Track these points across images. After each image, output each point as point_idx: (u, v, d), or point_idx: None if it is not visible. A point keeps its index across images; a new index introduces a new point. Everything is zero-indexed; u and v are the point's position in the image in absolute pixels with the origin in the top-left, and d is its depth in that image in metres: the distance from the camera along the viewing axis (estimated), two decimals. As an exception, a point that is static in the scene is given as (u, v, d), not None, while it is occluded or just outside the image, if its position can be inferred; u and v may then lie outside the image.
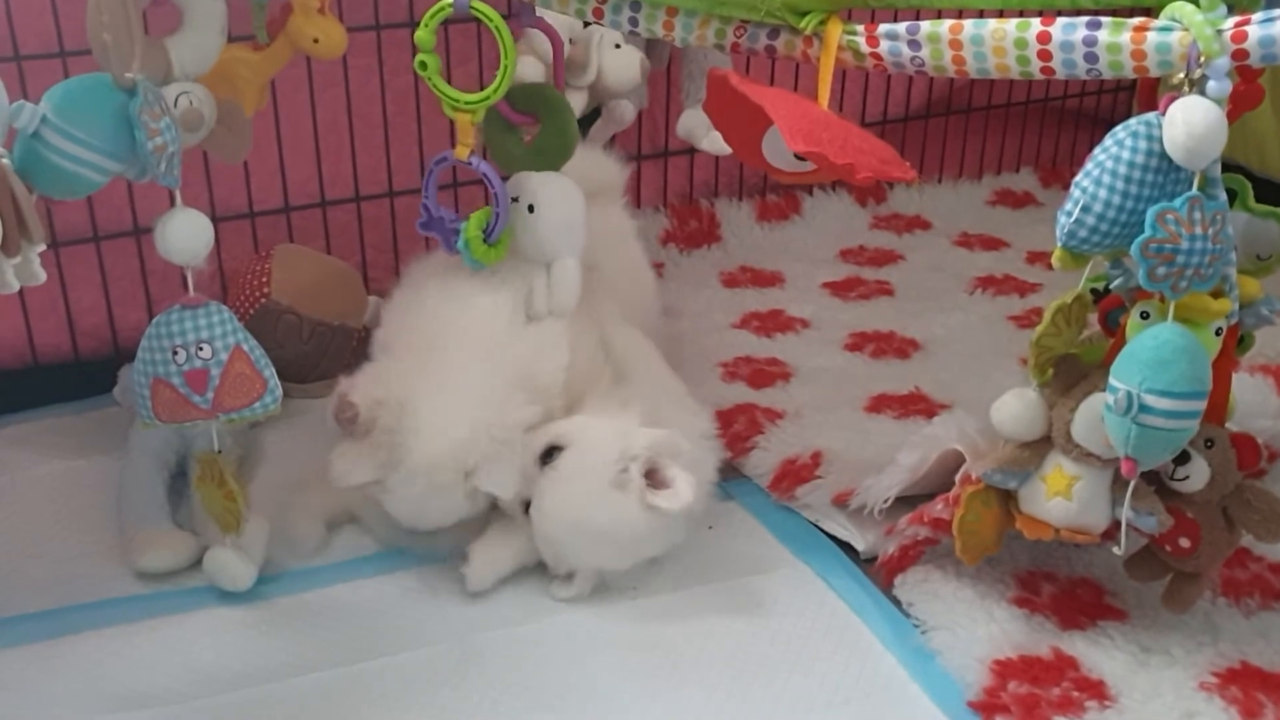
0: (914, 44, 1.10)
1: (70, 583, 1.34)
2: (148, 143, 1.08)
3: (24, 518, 1.46)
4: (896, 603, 1.32)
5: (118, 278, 1.72)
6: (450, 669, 1.22)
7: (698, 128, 1.84)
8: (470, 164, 1.32)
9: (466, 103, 1.28)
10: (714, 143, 1.83)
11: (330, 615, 1.31)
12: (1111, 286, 1.15)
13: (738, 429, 1.59)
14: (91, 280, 1.70)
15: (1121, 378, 1.04)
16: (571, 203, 1.38)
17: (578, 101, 1.61)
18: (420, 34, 1.24)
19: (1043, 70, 1.04)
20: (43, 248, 1.08)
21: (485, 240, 1.33)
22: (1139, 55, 1.00)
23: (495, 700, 1.19)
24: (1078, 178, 1.04)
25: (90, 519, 1.45)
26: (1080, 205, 1.03)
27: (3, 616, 1.29)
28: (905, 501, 1.36)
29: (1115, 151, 1.02)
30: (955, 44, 1.07)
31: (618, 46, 1.56)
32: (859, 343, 1.86)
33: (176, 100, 1.20)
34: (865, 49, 1.13)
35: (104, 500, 1.47)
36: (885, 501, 1.38)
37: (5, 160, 1.05)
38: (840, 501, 1.43)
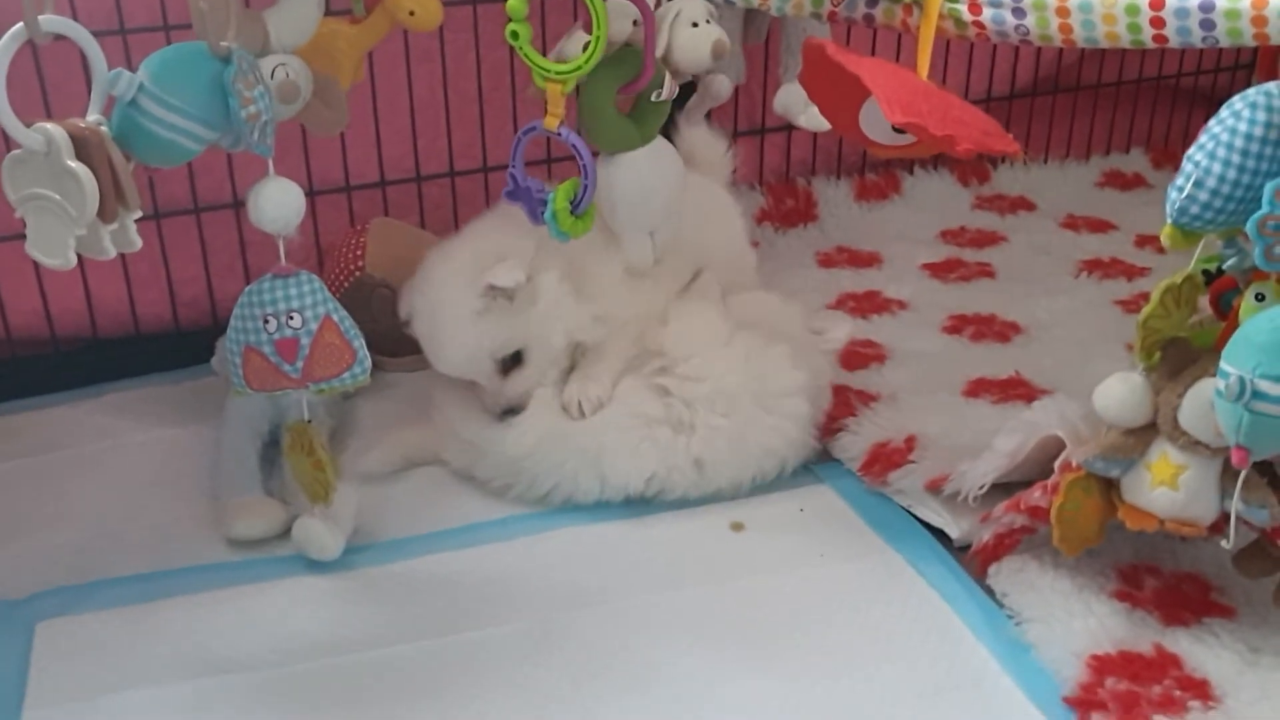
0: (1018, 11, 1.05)
1: (164, 548, 1.37)
2: (241, 111, 1.09)
3: (123, 483, 1.49)
4: (990, 593, 1.28)
5: (217, 249, 1.75)
6: (532, 646, 1.22)
7: (795, 103, 1.81)
8: (559, 135, 1.31)
9: (558, 73, 1.27)
10: (812, 119, 1.79)
11: (416, 587, 1.31)
12: (1225, 267, 1.10)
13: (829, 411, 1.56)
14: (192, 251, 1.74)
15: (1234, 362, 0.99)
16: (643, 181, 1.37)
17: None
18: (512, 2, 1.23)
19: (1155, 39, 0.99)
20: (139, 215, 1.10)
21: (572, 212, 1.32)
22: (1260, 21, 0.95)
23: (575, 679, 1.18)
24: (1190, 151, 0.99)
25: (186, 486, 1.48)
26: (1193, 180, 0.98)
27: (99, 578, 1.32)
28: (1002, 488, 1.32)
29: (1231, 123, 0.97)
30: (1062, 11, 1.03)
31: (695, 25, 1.53)
32: (958, 325, 1.81)
33: (273, 72, 1.20)
34: (967, 17, 1.09)
35: (200, 468, 1.50)
36: (981, 488, 1.34)
37: (104, 128, 1.07)
38: (934, 487, 1.40)
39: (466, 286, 1.40)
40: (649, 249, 1.46)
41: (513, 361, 1.43)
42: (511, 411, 1.43)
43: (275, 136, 1.15)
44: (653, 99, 1.39)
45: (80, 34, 1.06)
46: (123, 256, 1.65)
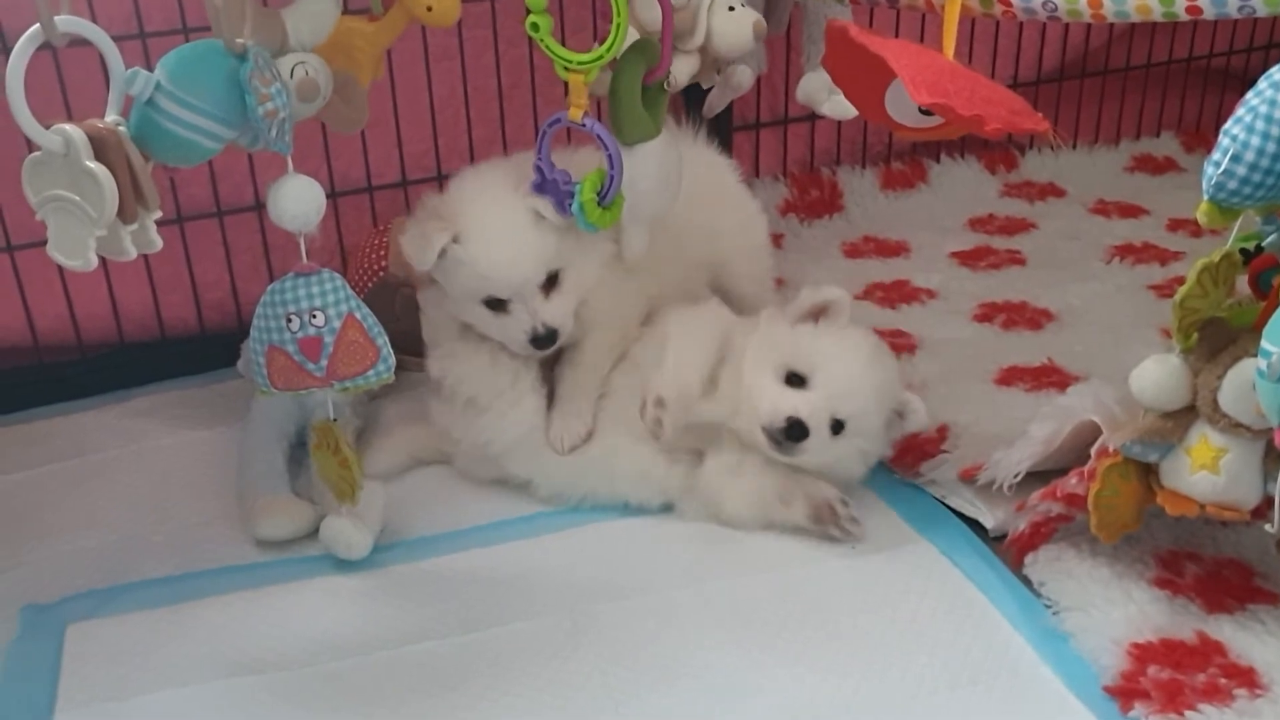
0: (1046, -13, 1.03)
1: (192, 550, 1.37)
2: (259, 108, 1.08)
3: (150, 486, 1.50)
4: (1027, 582, 1.26)
5: (240, 251, 1.75)
6: (561, 641, 1.21)
7: (819, 91, 1.78)
8: (584, 125, 1.29)
9: (579, 63, 1.26)
10: (836, 107, 1.76)
11: (444, 584, 1.31)
12: (1264, 244, 1.07)
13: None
14: (215, 254, 1.74)
15: (1275, 341, 0.96)
16: (659, 171, 1.35)
17: (687, 66, 1.57)
18: (531, -6, 1.22)
19: (1189, 9, 0.97)
20: (159, 215, 1.09)
21: (600, 203, 1.31)
22: (1298, -12, 0.93)
23: (605, 672, 1.17)
24: (1227, 125, 0.97)
25: (213, 488, 1.48)
26: (1230, 155, 0.96)
27: (128, 581, 1.32)
28: (1037, 476, 1.30)
29: (1270, 95, 0.94)
30: (1091, -16, 1.01)
31: (731, 9, 1.51)
32: (989, 313, 1.79)
33: (292, 70, 1.19)
34: (994, -5, 1.07)
35: (227, 470, 1.50)
36: (1016, 476, 1.32)
37: (122, 128, 1.06)
38: (968, 476, 1.38)
39: (518, 198, 1.36)
40: (645, 240, 1.43)
41: (550, 284, 1.39)
42: (547, 340, 1.38)
43: (296, 137, 1.14)
44: (664, 88, 1.37)
45: (97, 35, 1.06)
46: (146, 260, 1.66)
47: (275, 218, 1.17)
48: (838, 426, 1.33)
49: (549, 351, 1.41)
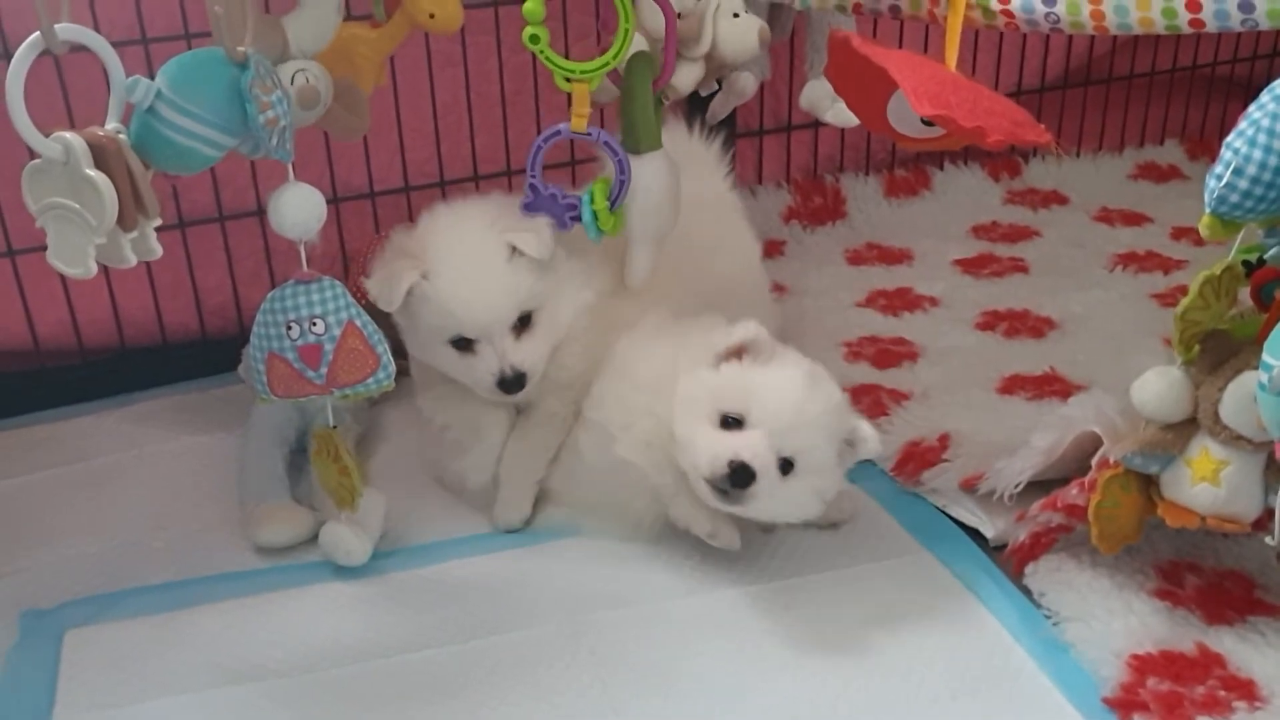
0: (1048, -2, 1.03)
1: (191, 556, 1.37)
2: (259, 116, 1.08)
3: (150, 492, 1.49)
4: (1027, 593, 1.26)
5: (242, 257, 1.74)
6: (561, 648, 1.21)
7: (822, 99, 1.79)
8: (589, 135, 1.29)
9: (581, 72, 1.26)
10: (839, 114, 1.77)
11: (444, 592, 1.30)
12: (1266, 257, 1.07)
13: (861, 410, 1.53)
14: (217, 260, 1.73)
15: (1277, 354, 0.96)
16: (666, 182, 1.34)
17: (692, 74, 1.57)
18: (529, 5, 1.22)
19: (1191, 23, 0.97)
20: (159, 222, 1.09)
21: (610, 208, 1.31)
22: (1301, 1, 0.92)
23: (605, 681, 1.17)
24: (1229, 138, 0.97)
25: (213, 494, 1.48)
26: (1232, 168, 0.96)
27: (127, 587, 1.32)
28: (1038, 486, 1.30)
29: (1273, 108, 0.94)
30: (1093, -4, 1.01)
31: (736, 16, 1.52)
32: (991, 321, 1.79)
33: (293, 78, 1.19)
34: (996, 6, 1.07)
35: (228, 476, 1.50)
36: (1017, 486, 1.31)
37: (122, 136, 1.06)
38: (968, 486, 1.37)
39: (495, 237, 1.32)
40: (652, 261, 1.38)
41: (521, 325, 1.33)
42: (515, 384, 1.32)
43: (298, 142, 1.14)
44: (663, 99, 1.37)
45: (97, 42, 1.06)
46: (148, 266, 1.66)
47: (276, 226, 1.17)
48: (787, 466, 1.23)
49: (517, 397, 1.35)
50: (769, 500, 1.23)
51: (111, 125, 1.07)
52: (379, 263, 1.36)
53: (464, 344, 1.33)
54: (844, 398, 1.30)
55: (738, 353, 1.27)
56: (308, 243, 1.18)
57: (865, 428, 1.28)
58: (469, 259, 1.32)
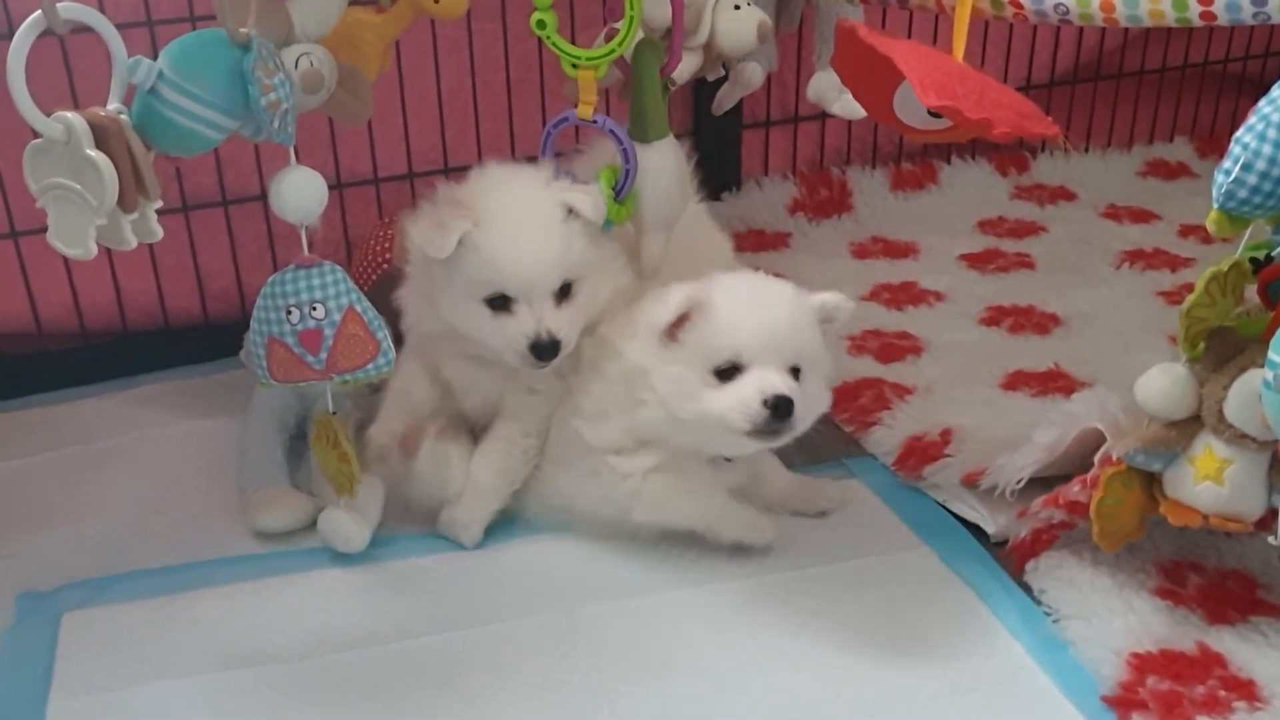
0: (1058, -10, 1.02)
1: (190, 540, 1.37)
2: (261, 99, 1.07)
3: (151, 475, 1.49)
4: (1027, 589, 1.25)
5: (245, 241, 1.74)
6: (558, 638, 1.21)
7: (829, 90, 1.77)
8: (595, 122, 1.29)
9: (588, 59, 1.25)
10: (846, 106, 1.76)
11: (442, 580, 1.30)
12: (1274, 254, 1.06)
13: (863, 403, 1.53)
14: (220, 244, 1.73)
15: (1283, 352, 0.95)
16: (674, 169, 1.33)
17: (690, 64, 1.56)
18: (537, -11, 1.21)
19: (1202, 16, 0.96)
20: (160, 204, 1.09)
21: (615, 198, 1.30)
22: (1313, -4, 0.91)
23: (601, 671, 1.16)
24: (1238, 133, 0.96)
25: (213, 478, 1.48)
26: (1240, 163, 0.95)
27: (125, 570, 1.32)
28: (1040, 483, 1.29)
29: (1283, 103, 0.93)
30: (1104, -12, 1.00)
31: (736, 8, 1.51)
32: (996, 317, 1.78)
33: (297, 61, 1.19)
34: (1004, -3, 1.06)
35: (228, 460, 1.50)
36: (1019, 482, 1.31)
37: (124, 117, 1.06)
38: (970, 481, 1.37)
39: (551, 195, 1.29)
40: (664, 245, 1.37)
41: (562, 294, 1.29)
42: (548, 350, 1.28)
43: (302, 128, 1.14)
44: (668, 86, 1.36)
45: (100, 22, 1.05)
46: (151, 249, 1.66)
47: (277, 209, 1.16)
48: (795, 375, 1.24)
49: (544, 367, 1.31)
50: (802, 413, 1.24)
51: (113, 106, 1.07)
52: (424, 213, 1.31)
53: (501, 303, 1.28)
54: (793, 285, 1.29)
55: (680, 323, 1.25)
56: (309, 227, 1.18)
57: (830, 298, 1.28)
58: (524, 214, 1.28)
